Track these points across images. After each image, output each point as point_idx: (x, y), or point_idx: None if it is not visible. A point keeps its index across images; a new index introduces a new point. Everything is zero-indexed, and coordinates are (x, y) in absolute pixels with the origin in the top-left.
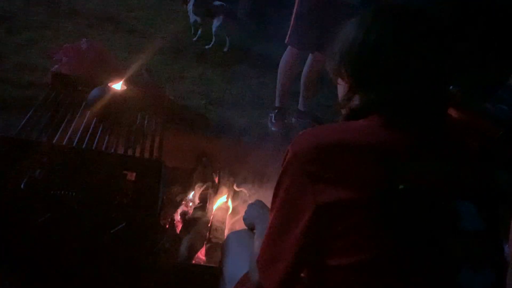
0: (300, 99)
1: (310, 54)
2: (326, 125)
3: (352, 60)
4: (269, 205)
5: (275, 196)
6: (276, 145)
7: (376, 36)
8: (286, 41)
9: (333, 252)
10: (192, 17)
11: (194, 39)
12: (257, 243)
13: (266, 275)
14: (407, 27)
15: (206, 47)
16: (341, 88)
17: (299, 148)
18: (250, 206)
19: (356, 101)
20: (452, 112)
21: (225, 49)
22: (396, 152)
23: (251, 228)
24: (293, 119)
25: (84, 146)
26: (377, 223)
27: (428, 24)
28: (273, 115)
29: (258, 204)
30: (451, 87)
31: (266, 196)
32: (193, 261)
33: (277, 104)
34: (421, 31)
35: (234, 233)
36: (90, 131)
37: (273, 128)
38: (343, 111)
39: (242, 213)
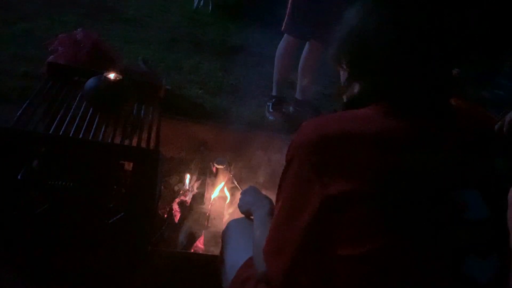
0: (298, 88)
1: (307, 42)
2: (330, 115)
3: (351, 48)
4: (263, 191)
5: (280, 186)
6: (273, 134)
7: (375, 23)
8: (282, 29)
9: (339, 243)
10: None
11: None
12: (258, 232)
13: (272, 265)
14: (407, 13)
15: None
16: (343, 75)
17: (304, 139)
18: (244, 193)
19: (355, 89)
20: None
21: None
22: (401, 141)
23: (247, 215)
24: (291, 108)
25: (81, 136)
26: (383, 213)
27: (429, 10)
28: (270, 104)
29: (252, 190)
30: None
31: (264, 184)
32: (192, 250)
33: (274, 93)
34: (422, 17)
35: (235, 221)
36: (86, 121)
37: (270, 117)
38: (343, 98)
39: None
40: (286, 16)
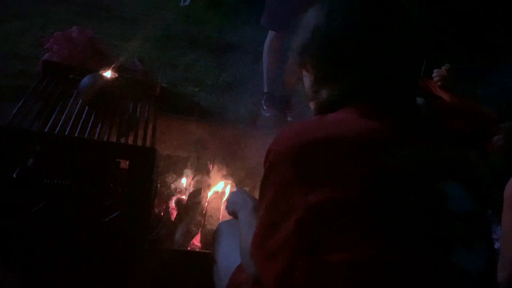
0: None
1: None
2: (306, 121)
3: (316, 50)
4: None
5: (262, 195)
6: (270, 131)
7: (340, 22)
8: (261, 22)
9: (328, 248)
10: None
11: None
12: (243, 232)
13: (265, 270)
14: (373, 9)
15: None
16: (307, 80)
17: (282, 147)
18: (231, 194)
19: (324, 94)
20: (446, 96)
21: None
22: (380, 142)
23: (234, 216)
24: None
25: (76, 134)
26: (369, 215)
27: (395, 6)
28: (263, 101)
29: (238, 192)
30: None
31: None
32: (189, 248)
33: (266, 89)
34: (388, 14)
35: (225, 223)
36: (82, 119)
37: (266, 114)
38: (312, 105)
39: None
40: (264, 10)
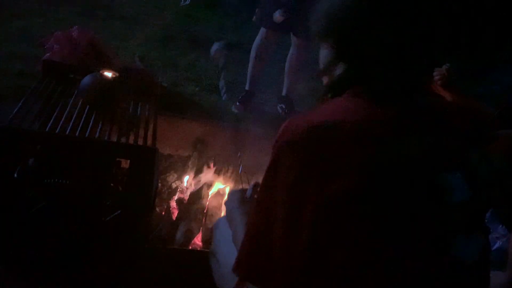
0: (284, 85)
1: (292, 40)
2: (311, 110)
3: (341, 26)
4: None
5: (263, 191)
6: (270, 130)
7: (373, 5)
8: (253, 19)
9: (336, 239)
10: None
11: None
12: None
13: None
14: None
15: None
16: (324, 53)
17: (289, 138)
18: (227, 203)
19: (339, 70)
20: (447, 95)
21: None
22: (384, 132)
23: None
24: (279, 107)
25: (77, 134)
26: (372, 208)
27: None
28: (240, 97)
29: (235, 199)
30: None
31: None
32: (190, 247)
33: (247, 87)
34: (424, 6)
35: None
36: (82, 119)
37: (235, 110)
38: (324, 80)
39: None
40: (257, 7)
